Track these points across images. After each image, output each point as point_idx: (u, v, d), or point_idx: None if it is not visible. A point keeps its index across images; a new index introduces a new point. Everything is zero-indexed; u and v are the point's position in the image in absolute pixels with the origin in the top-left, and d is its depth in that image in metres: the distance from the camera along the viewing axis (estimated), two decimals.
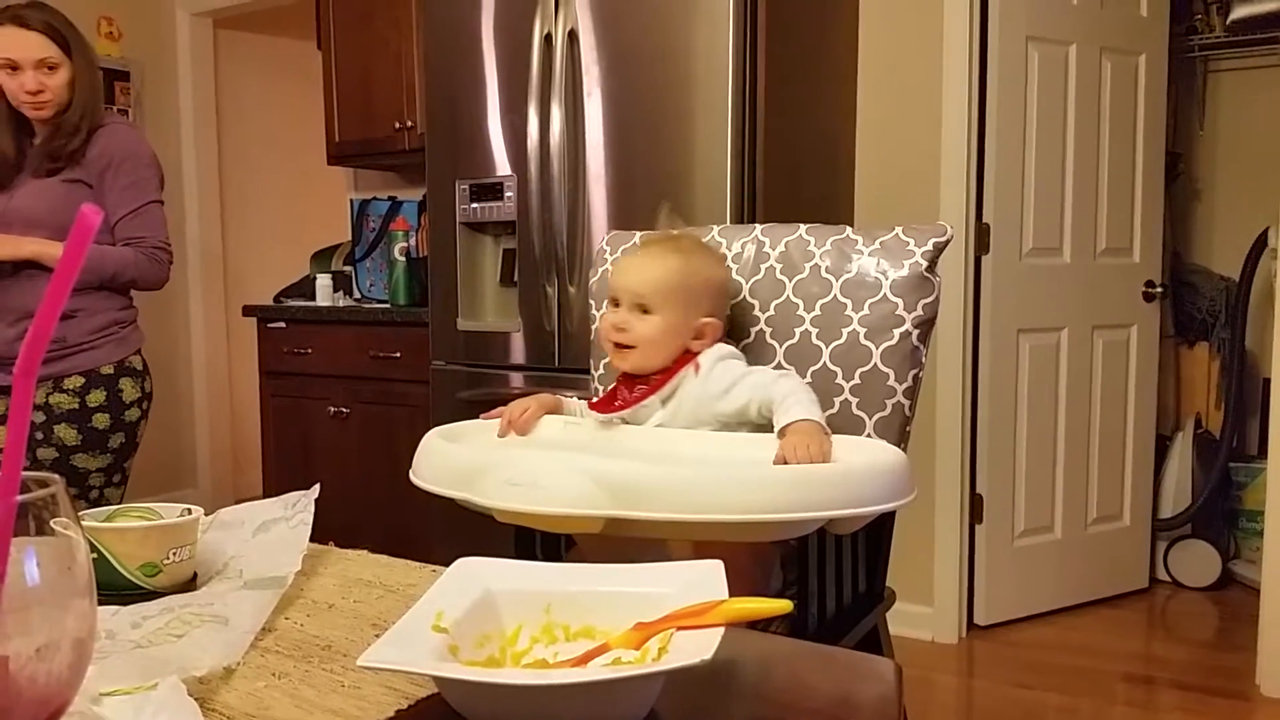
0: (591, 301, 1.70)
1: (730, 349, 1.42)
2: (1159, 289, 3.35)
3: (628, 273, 1.42)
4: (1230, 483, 3.49)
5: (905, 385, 1.42)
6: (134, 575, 0.90)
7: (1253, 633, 2.68)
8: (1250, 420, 3.54)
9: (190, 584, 0.94)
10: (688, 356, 1.40)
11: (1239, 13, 3.41)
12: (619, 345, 1.41)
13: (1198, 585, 3.42)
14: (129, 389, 2.34)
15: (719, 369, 1.38)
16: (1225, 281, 3.61)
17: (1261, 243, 3.31)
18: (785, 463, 1.20)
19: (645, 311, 1.39)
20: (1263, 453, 2.73)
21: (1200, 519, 3.44)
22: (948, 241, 1.45)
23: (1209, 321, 3.61)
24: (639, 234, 1.63)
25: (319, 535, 1.03)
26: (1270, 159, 2.71)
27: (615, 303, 1.41)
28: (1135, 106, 3.26)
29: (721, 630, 0.65)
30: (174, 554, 0.92)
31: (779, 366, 1.46)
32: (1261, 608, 2.64)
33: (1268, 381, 2.70)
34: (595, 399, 1.46)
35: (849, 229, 1.51)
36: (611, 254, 1.69)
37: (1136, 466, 3.38)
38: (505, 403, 1.48)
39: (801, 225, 1.55)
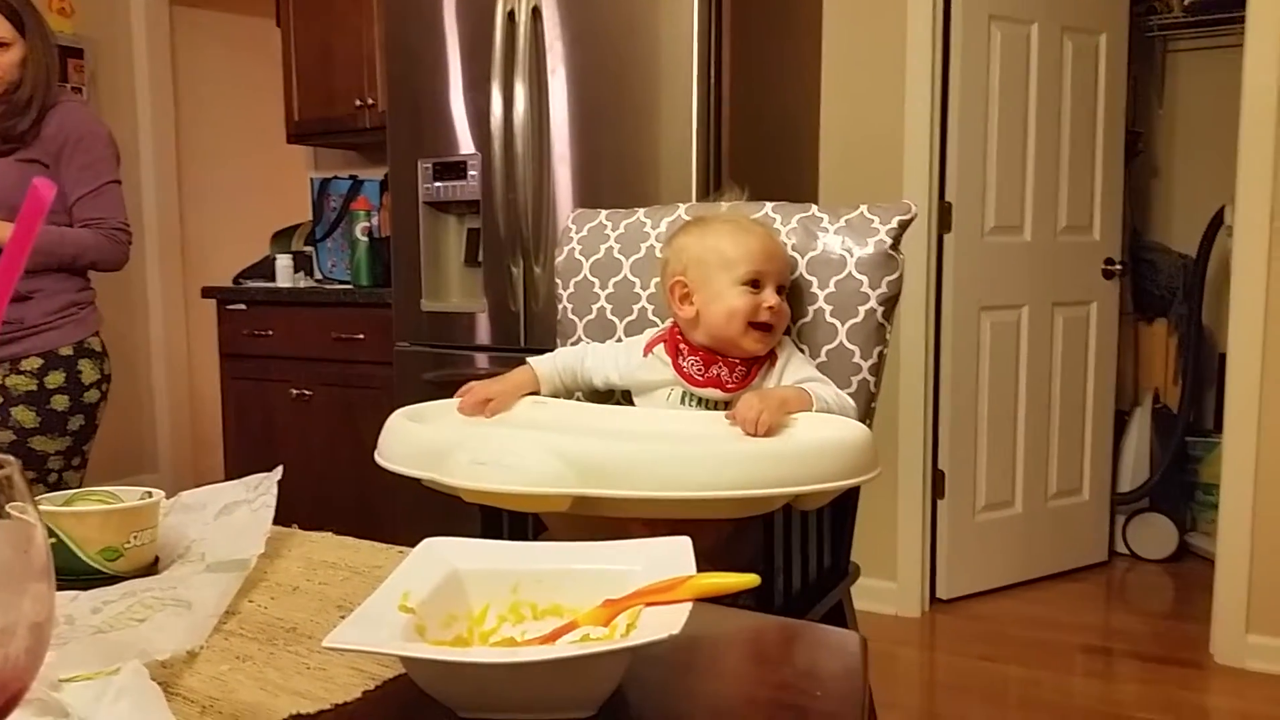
0: (558, 281, 1.69)
1: (791, 341, 1.46)
2: (1118, 266, 3.39)
3: (767, 254, 1.38)
4: (1187, 457, 3.55)
5: (870, 362, 1.43)
6: (94, 560, 0.88)
7: (1208, 603, 2.73)
8: (1207, 395, 3.60)
9: (152, 568, 0.93)
10: None
11: None
12: (768, 326, 1.38)
13: (1155, 557, 3.49)
14: (88, 370, 2.31)
15: (795, 364, 1.41)
16: (1183, 259, 3.66)
17: (1218, 220, 3.36)
18: (733, 420, 1.24)
19: (780, 290, 1.39)
20: (1219, 427, 2.78)
21: (1158, 493, 3.50)
22: (911, 219, 1.46)
23: (1167, 298, 3.66)
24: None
25: (282, 518, 1.02)
26: (1226, 138, 2.74)
27: (754, 283, 1.36)
28: (1096, 85, 3.29)
29: (689, 606, 0.65)
30: (135, 538, 0.91)
31: None
32: (1216, 579, 2.70)
33: (1224, 357, 2.75)
34: (686, 371, 1.39)
35: (814, 207, 1.52)
36: (578, 232, 1.69)
37: (1096, 441, 3.43)
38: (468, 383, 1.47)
39: (768, 203, 1.55)
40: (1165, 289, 3.67)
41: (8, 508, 0.46)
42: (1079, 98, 3.24)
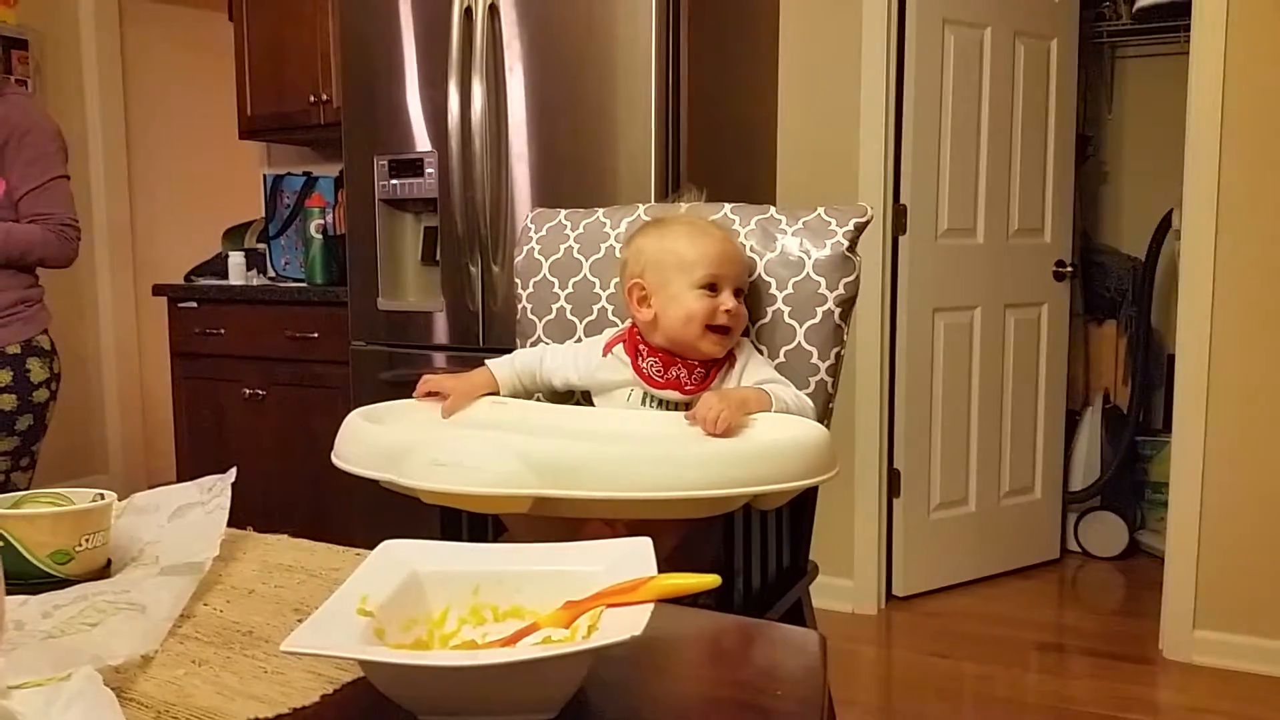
0: (517, 280, 1.68)
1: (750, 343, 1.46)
2: (1069, 269, 3.44)
3: (725, 257, 1.39)
4: (1137, 456, 3.62)
5: (828, 363, 1.44)
6: (44, 563, 0.87)
7: (1157, 600, 2.79)
8: (1156, 395, 3.67)
9: (104, 571, 0.92)
10: None
11: (1144, 1, 3.51)
12: (725, 329, 1.38)
13: (1106, 555, 3.55)
14: (36, 369, 2.26)
15: (754, 366, 1.41)
16: (1132, 261, 3.73)
17: (1166, 224, 3.42)
18: (692, 420, 1.25)
19: (738, 292, 1.39)
20: (1168, 427, 2.83)
21: (1109, 491, 3.56)
22: (868, 222, 1.47)
23: (1117, 300, 3.73)
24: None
25: (237, 520, 1.00)
26: (1174, 142, 2.80)
27: (711, 286, 1.36)
28: (1047, 90, 3.34)
29: (651, 607, 0.65)
30: (86, 540, 0.89)
31: None
32: (1165, 576, 2.75)
33: (1172, 357, 2.80)
34: (646, 373, 1.40)
35: (773, 209, 1.53)
36: (537, 232, 1.68)
37: (1047, 441, 3.48)
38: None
39: (727, 204, 1.56)
40: (1115, 291, 3.74)
41: None
42: (1031, 102, 3.29)
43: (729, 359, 1.40)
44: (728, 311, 1.36)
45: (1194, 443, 2.66)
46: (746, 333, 1.46)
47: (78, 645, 0.73)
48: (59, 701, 0.61)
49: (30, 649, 0.72)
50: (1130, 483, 3.62)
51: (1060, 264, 3.42)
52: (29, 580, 0.86)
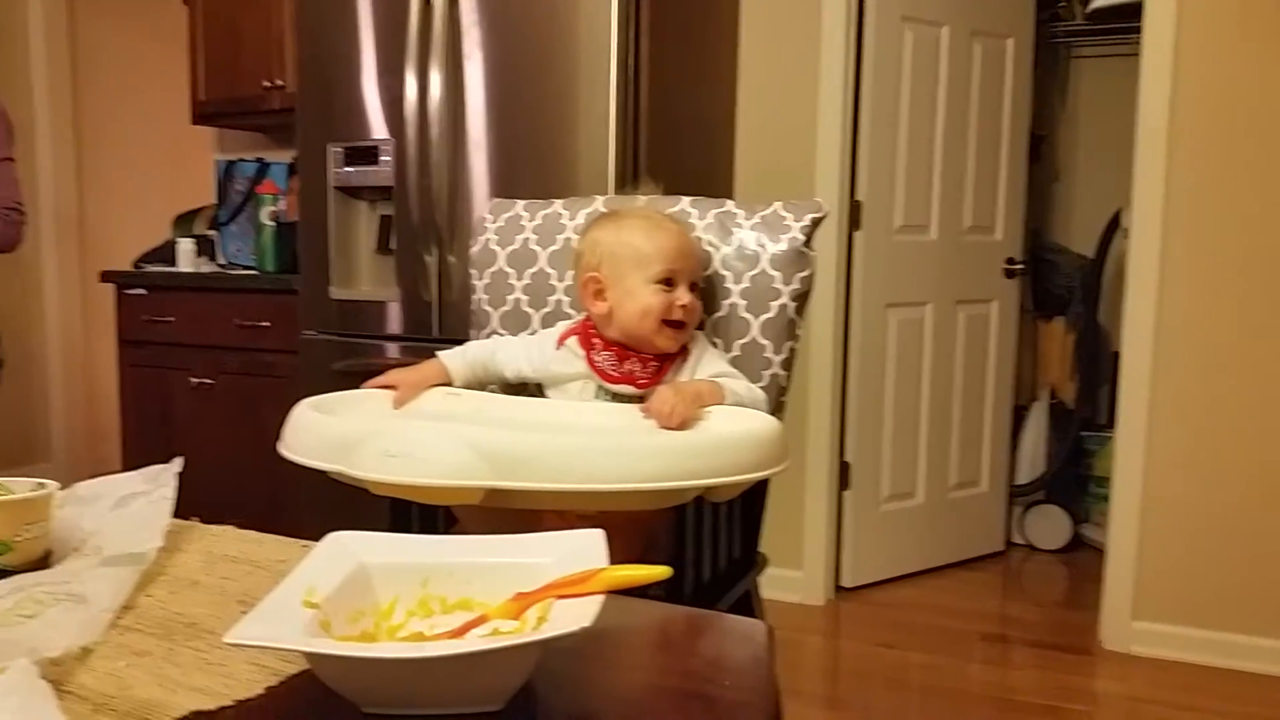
0: (473, 271, 1.67)
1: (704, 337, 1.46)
2: (1019, 266, 3.49)
3: (681, 252, 1.39)
4: (1082, 451, 3.68)
5: (782, 357, 1.45)
6: None
7: (1098, 591, 2.84)
8: (1101, 391, 3.73)
9: (43, 562, 0.90)
10: None
11: (1098, 1, 3.56)
12: (680, 324, 1.38)
13: (1050, 548, 3.61)
14: None
15: (708, 359, 1.41)
16: (1081, 259, 3.79)
17: (1115, 223, 3.48)
18: (647, 413, 1.25)
19: (693, 287, 1.40)
20: (1112, 422, 2.89)
21: (1053, 485, 3.62)
22: (823, 217, 1.49)
23: (1065, 297, 3.79)
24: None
25: (182, 510, 0.99)
26: (1125, 143, 2.85)
27: (668, 281, 1.36)
28: (1002, 88, 3.38)
29: (601, 598, 0.65)
30: (26, 530, 0.88)
31: None
32: (1106, 568, 2.80)
33: (1118, 355, 2.85)
34: (600, 366, 1.40)
35: (730, 203, 1.53)
36: (494, 223, 1.67)
37: (995, 435, 3.53)
38: (381, 374, 1.45)
39: (685, 198, 1.56)
40: (1064, 288, 3.79)
41: None
42: (986, 100, 3.33)
43: (683, 352, 1.41)
44: (683, 306, 1.37)
45: (1137, 439, 2.72)
46: (701, 325, 1.46)
47: (14, 637, 0.72)
48: None
49: None
50: (1074, 477, 3.69)
51: (1011, 261, 3.47)
52: None
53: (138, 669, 0.70)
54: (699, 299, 1.41)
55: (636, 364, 1.39)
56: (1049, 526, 3.62)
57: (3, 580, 0.84)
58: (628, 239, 1.39)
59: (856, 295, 3.10)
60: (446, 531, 1.42)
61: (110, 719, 0.62)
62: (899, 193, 3.15)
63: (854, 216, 3.07)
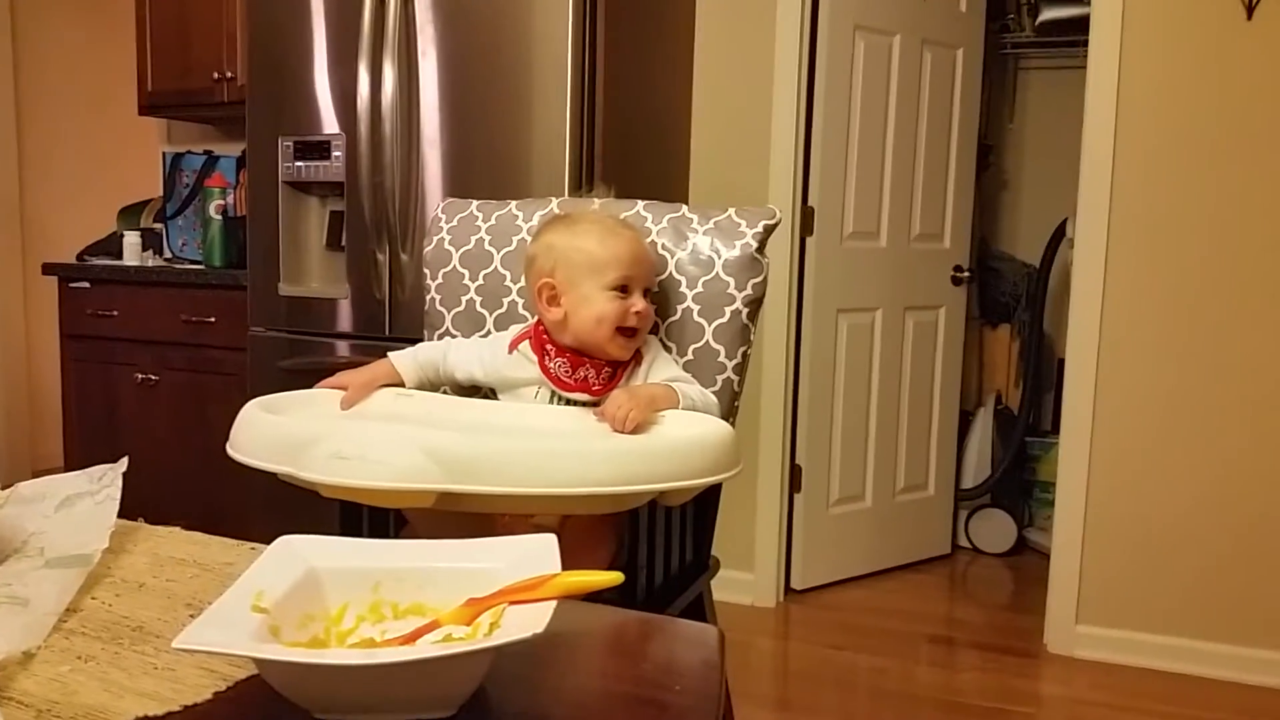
0: (426, 270, 1.66)
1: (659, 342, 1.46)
2: (966, 273, 3.55)
3: (636, 258, 1.39)
4: (1026, 456, 3.75)
5: (735, 362, 1.46)
6: None
7: (1042, 595, 2.90)
8: (1046, 398, 3.81)
9: None
10: None
11: (1046, 15, 3.63)
12: (633, 331, 1.38)
13: (995, 551, 3.67)
14: None
15: (660, 364, 1.41)
16: (1027, 268, 3.86)
17: (1060, 232, 3.55)
18: (601, 417, 1.25)
19: (646, 292, 1.40)
20: (1056, 428, 2.95)
21: (999, 489, 3.69)
22: (776, 224, 1.50)
23: (1011, 305, 3.86)
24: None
25: (127, 511, 0.97)
26: (1070, 154, 2.91)
27: (623, 288, 1.37)
28: (952, 98, 3.43)
29: (554, 604, 0.65)
30: None
31: None
32: (1050, 572, 2.86)
33: (1063, 362, 2.91)
34: (553, 373, 1.40)
35: (685, 208, 1.54)
36: (448, 222, 1.67)
37: (941, 440, 3.58)
38: (330, 373, 1.44)
39: (640, 201, 1.57)
40: (1010, 296, 3.86)
41: None
42: (936, 109, 3.38)
43: (636, 357, 1.41)
44: (638, 313, 1.37)
45: (1080, 444, 2.77)
46: (655, 330, 1.47)
47: None
48: None
49: None
50: (1019, 481, 3.75)
51: (958, 269, 3.52)
52: None
53: (82, 674, 0.69)
54: (652, 304, 1.41)
55: (590, 370, 1.39)
56: (994, 530, 3.68)
57: None
58: (582, 244, 1.39)
59: (808, 300, 3.13)
60: (397, 534, 1.41)
61: None
62: (850, 199, 3.19)
63: (806, 222, 3.09)
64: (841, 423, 3.27)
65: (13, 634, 0.72)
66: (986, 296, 3.88)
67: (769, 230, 1.49)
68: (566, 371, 1.38)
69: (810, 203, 3.09)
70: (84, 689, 0.66)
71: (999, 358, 3.85)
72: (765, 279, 1.48)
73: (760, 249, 1.47)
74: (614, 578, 0.71)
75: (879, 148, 3.24)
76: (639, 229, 1.48)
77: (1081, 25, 2.92)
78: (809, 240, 3.11)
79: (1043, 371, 3.77)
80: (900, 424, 3.44)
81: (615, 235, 1.40)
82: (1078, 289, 2.76)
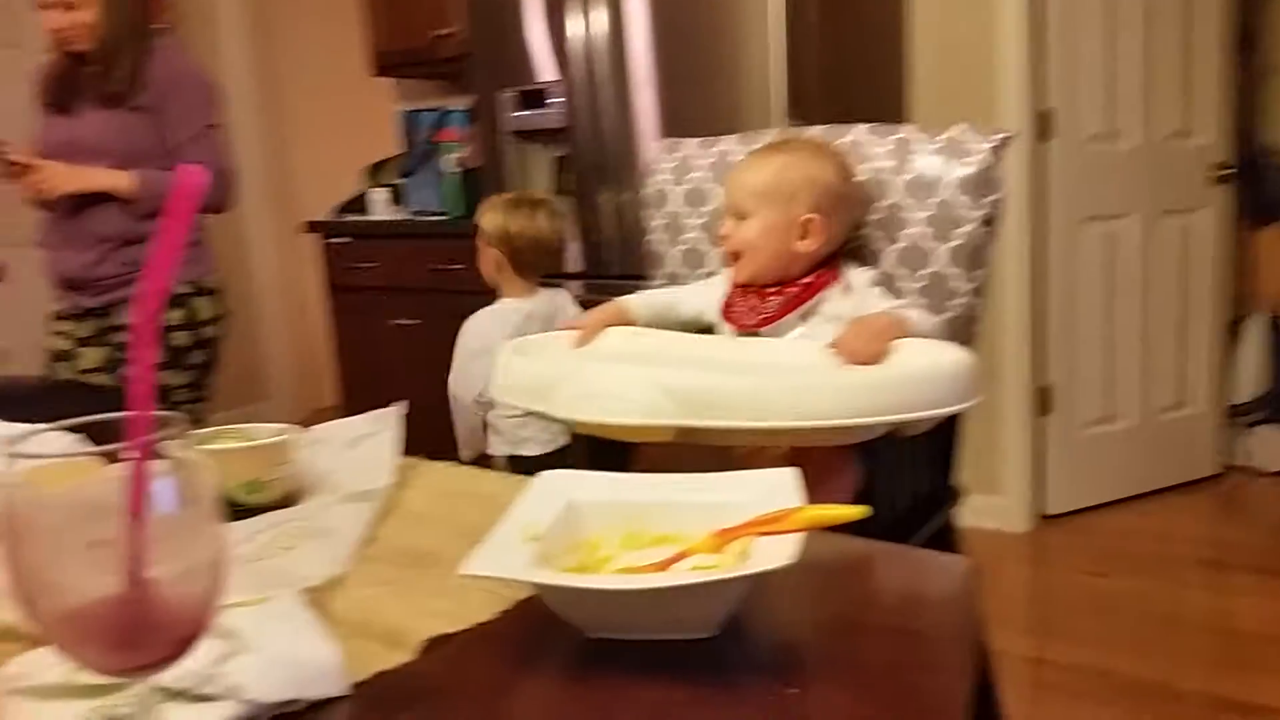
0: (648, 211, 1.70)
1: (873, 275, 1.42)
2: (1230, 171, 3.24)
3: (729, 182, 1.45)
4: None
5: (973, 285, 1.42)
6: (238, 493, 0.95)
7: None
8: None
9: (289, 500, 1.00)
10: (828, 271, 1.40)
11: None
12: (731, 255, 1.43)
13: (1275, 470, 3.39)
14: (204, 308, 2.41)
15: (872, 296, 1.38)
16: None
17: None
18: (835, 350, 1.23)
19: (743, 217, 1.41)
20: None
21: (1277, 404, 3.39)
22: (1011, 139, 1.43)
23: None
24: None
25: (406, 449, 1.07)
26: None
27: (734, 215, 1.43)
28: None
29: (803, 536, 0.68)
30: (274, 471, 0.97)
31: None
32: None
33: None
34: (728, 307, 1.45)
35: (910, 128, 1.49)
36: (666, 162, 1.69)
37: (1209, 352, 3.32)
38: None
39: (861, 125, 1.53)
40: None
41: (179, 455, 0.51)
42: None
43: (833, 281, 1.39)
44: (723, 237, 1.42)
45: None
46: (873, 260, 1.44)
47: (277, 568, 0.81)
48: (270, 619, 0.68)
49: (235, 572, 0.79)
50: None
51: (1221, 166, 3.22)
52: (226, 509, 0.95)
53: (386, 595, 0.77)
54: (749, 228, 1.40)
55: (755, 299, 1.42)
56: (1274, 447, 3.39)
57: (258, 517, 0.94)
58: None
59: (1050, 209, 2.96)
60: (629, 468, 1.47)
61: (366, 642, 0.69)
62: (1093, 99, 2.97)
63: (1044, 126, 2.91)
64: (1094, 338, 3.09)
65: (324, 561, 0.81)
66: (1256, 195, 3.53)
67: (1002, 145, 1.42)
68: (735, 308, 1.43)
69: (1049, 105, 2.90)
70: (388, 609, 0.75)
71: (1274, 262, 3.51)
72: (1001, 197, 1.42)
73: (995, 164, 1.41)
74: (858, 511, 0.72)
75: (1124, 39, 2.99)
76: (849, 156, 1.45)
77: None
78: (1049, 145, 2.93)
79: None
80: (1161, 337, 3.21)
81: (739, 163, 1.46)
82: None
